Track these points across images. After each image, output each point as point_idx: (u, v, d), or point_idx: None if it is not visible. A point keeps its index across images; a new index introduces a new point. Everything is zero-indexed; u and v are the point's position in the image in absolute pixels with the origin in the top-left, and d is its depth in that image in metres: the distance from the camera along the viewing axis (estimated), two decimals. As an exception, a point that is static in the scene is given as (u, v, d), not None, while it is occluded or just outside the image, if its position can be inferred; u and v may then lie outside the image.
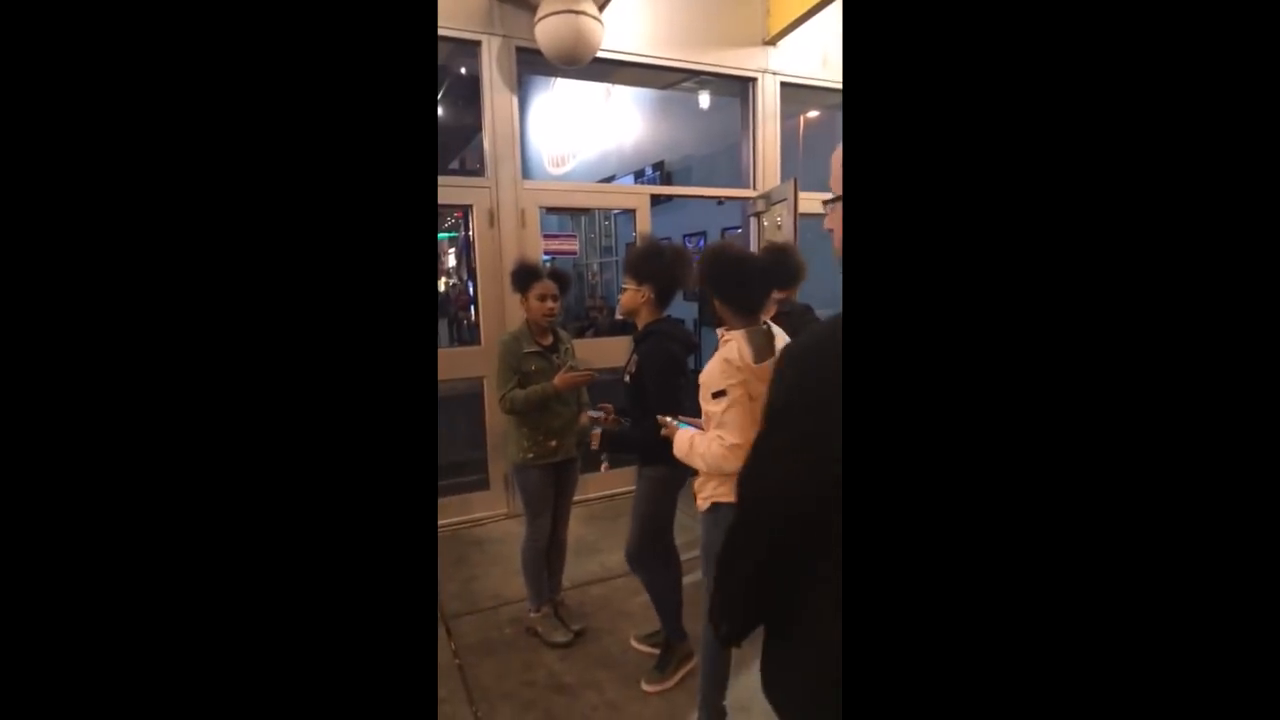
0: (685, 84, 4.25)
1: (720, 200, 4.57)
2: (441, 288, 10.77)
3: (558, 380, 2.17)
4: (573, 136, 7.91)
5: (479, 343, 3.44)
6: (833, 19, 3.99)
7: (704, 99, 4.60)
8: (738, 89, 4.10)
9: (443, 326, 8.17)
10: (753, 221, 4.13)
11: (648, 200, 3.80)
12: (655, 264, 1.96)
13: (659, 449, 1.84)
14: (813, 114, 5.14)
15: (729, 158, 4.33)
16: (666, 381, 1.91)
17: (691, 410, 1.75)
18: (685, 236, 6.78)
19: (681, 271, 1.96)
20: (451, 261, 12.15)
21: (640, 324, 2.00)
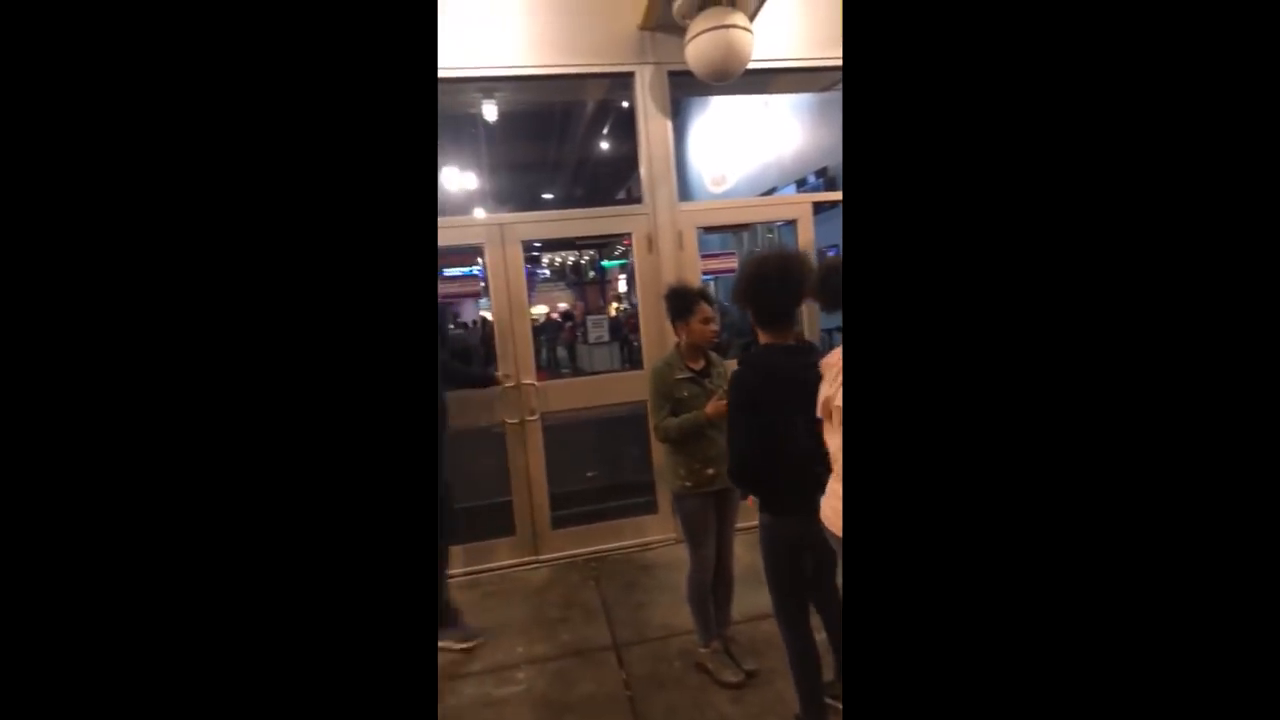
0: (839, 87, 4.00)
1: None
2: (613, 312, 11.35)
3: (709, 408, 2.08)
4: (731, 153, 7.86)
5: (642, 366, 3.47)
6: None
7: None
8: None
9: (614, 350, 8.52)
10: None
11: (809, 209, 3.60)
12: (747, 283, 1.73)
13: (763, 494, 1.70)
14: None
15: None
16: (737, 417, 1.71)
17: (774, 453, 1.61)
18: (830, 249, 6.37)
19: (782, 287, 1.69)
20: (622, 287, 12.77)
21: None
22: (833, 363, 1.51)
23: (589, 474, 4.13)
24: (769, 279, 1.69)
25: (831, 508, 1.52)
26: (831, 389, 1.49)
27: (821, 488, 1.60)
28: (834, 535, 1.52)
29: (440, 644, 2.48)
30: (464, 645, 2.55)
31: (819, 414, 1.54)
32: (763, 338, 1.75)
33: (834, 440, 1.49)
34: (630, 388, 3.50)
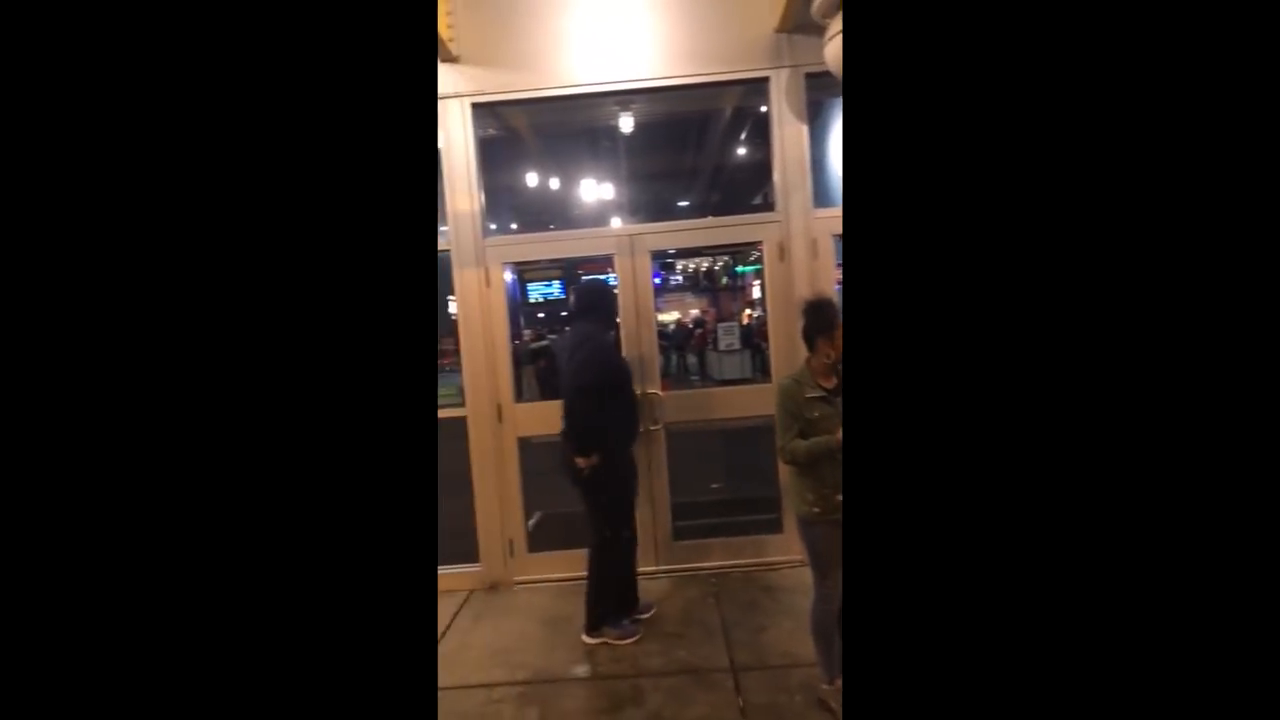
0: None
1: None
2: (745, 319, 11.17)
3: (842, 434, 1.94)
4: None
5: (769, 378, 3.36)
6: None
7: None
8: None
9: (745, 358, 8.35)
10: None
11: (963, 213, 3.29)
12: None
13: None
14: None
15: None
16: None
17: None
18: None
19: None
20: (756, 294, 12.55)
21: None
22: None
23: (713, 485, 4.06)
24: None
25: None
26: None
27: None
28: None
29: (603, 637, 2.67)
30: (625, 640, 2.67)
31: None
32: None
33: None
34: (756, 401, 3.39)
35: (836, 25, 2.73)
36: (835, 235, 3.30)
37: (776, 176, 3.26)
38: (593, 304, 2.79)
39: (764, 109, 3.30)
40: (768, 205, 3.36)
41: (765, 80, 3.20)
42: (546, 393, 3.66)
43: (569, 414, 2.64)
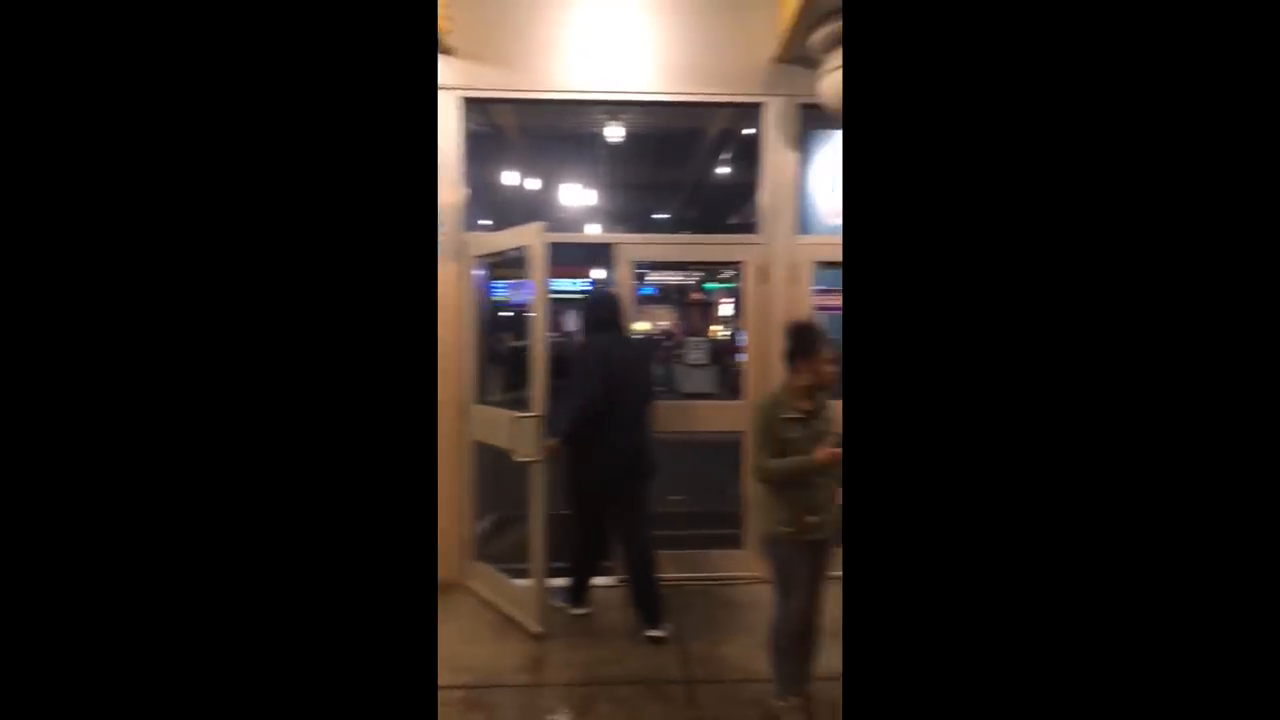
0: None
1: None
2: (714, 336, 11.28)
3: (821, 454, 1.99)
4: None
5: (736, 394, 3.40)
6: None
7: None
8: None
9: (712, 373, 8.44)
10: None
11: (937, 252, 3.42)
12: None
13: None
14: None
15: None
16: None
17: None
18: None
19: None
20: (723, 311, 12.67)
21: None
22: None
23: (674, 498, 4.09)
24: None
25: None
26: None
27: None
28: None
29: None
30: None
31: None
32: None
33: None
34: (723, 416, 3.43)
35: (832, 61, 2.82)
36: (815, 262, 3.39)
37: (764, 200, 3.33)
38: (607, 317, 2.85)
39: (752, 132, 3.37)
40: (744, 226, 3.42)
41: (758, 106, 3.27)
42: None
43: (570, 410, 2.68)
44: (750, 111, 3.33)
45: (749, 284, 3.35)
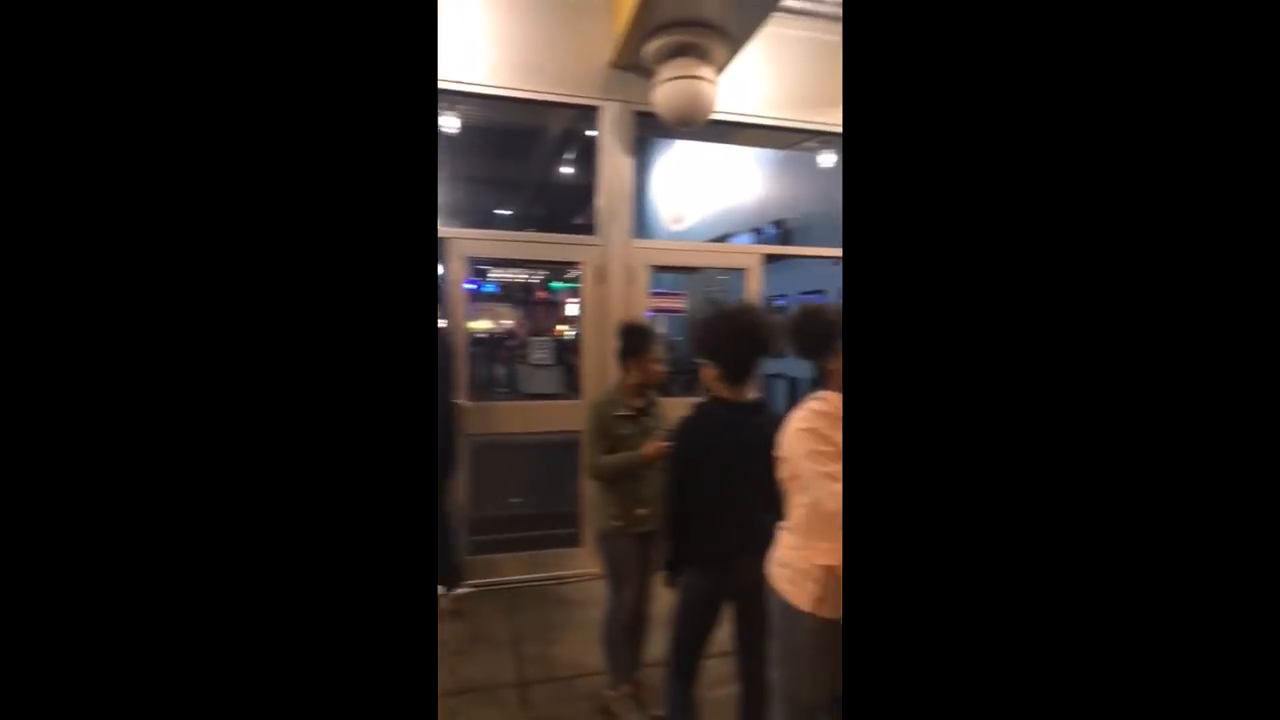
0: (807, 143, 4.17)
1: (837, 260, 4.37)
2: (559, 335, 11.27)
3: (648, 449, 2.07)
4: (693, 194, 8.04)
5: (579, 394, 3.44)
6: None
7: (826, 159, 4.49)
8: (861, 147, 3.94)
9: (556, 374, 8.43)
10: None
11: (759, 260, 3.70)
12: (715, 336, 1.73)
13: (691, 550, 1.71)
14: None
15: (849, 217, 4.17)
16: (679, 470, 1.76)
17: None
18: (802, 294, 6.58)
19: (750, 340, 1.70)
20: (574, 311, 12.72)
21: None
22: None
23: (513, 500, 4.03)
24: (740, 335, 1.70)
25: (779, 564, 1.51)
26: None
27: (749, 549, 1.61)
28: (778, 598, 1.49)
29: None
30: None
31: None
32: (720, 392, 1.74)
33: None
34: (565, 416, 3.45)
35: (666, 73, 2.94)
36: (651, 266, 3.51)
37: (600, 203, 3.39)
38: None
39: (591, 133, 3.42)
40: (588, 226, 3.46)
41: (595, 109, 3.32)
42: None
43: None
44: (589, 114, 3.37)
45: (587, 284, 3.39)
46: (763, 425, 1.63)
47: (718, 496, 1.69)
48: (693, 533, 1.73)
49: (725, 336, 1.71)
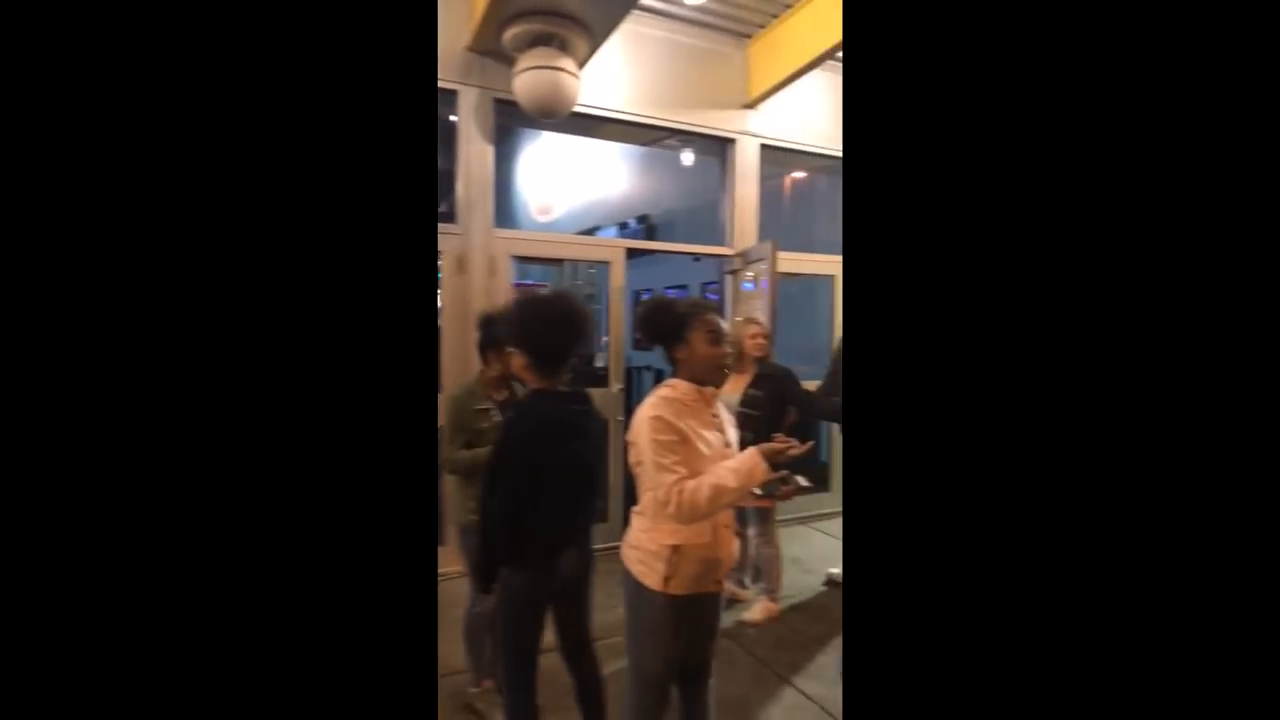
0: (668, 141, 4.30)
1: (696, 257, 4.57)
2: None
3: None
4: (559, 186, 8.01)
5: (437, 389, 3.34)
6: (813, 85, 4.08)
7: (686, 156, 4.66)
8: (717, 148, 4.14)
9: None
10: (728, 279, 4.11)
11: (622, 253, 3.77)
12: (526, 324, 1.63)
13: (514, 550, 1.61)
14: (798, 175, 5.21)
15: (713, 213, 4.36)
16: (504, 466, 1.60)
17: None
18: (666, 288, 6.79)
19: (561, 329, 1.61)
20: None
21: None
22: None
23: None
24: (551, 323, 1.62)
25: (630, 546, 1.56)
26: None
27: (569, 544, 1.65)
28: (631, 578, 1.53)
29: None
30: None
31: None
32: (534, 383, 1.67)
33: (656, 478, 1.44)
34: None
35: (526, 61, 2.92)
36: (513, 256, 3.47)
37: (460, 191, 3.29)
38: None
39: (453, 119, 3.32)
40: (450, 215, 3.36)
41: (454, 93, 3.22)
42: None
43: None
44: (449, 98, 3.26)
45: (446, 274, 3.29)
46: (581, 416, 1.63)
47: (536, 493, 1.59)
48: (511, 533, 1.60)
49: (536, 324, 1.62)
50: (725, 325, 1.56)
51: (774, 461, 1.36)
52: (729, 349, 1.53)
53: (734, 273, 4.05)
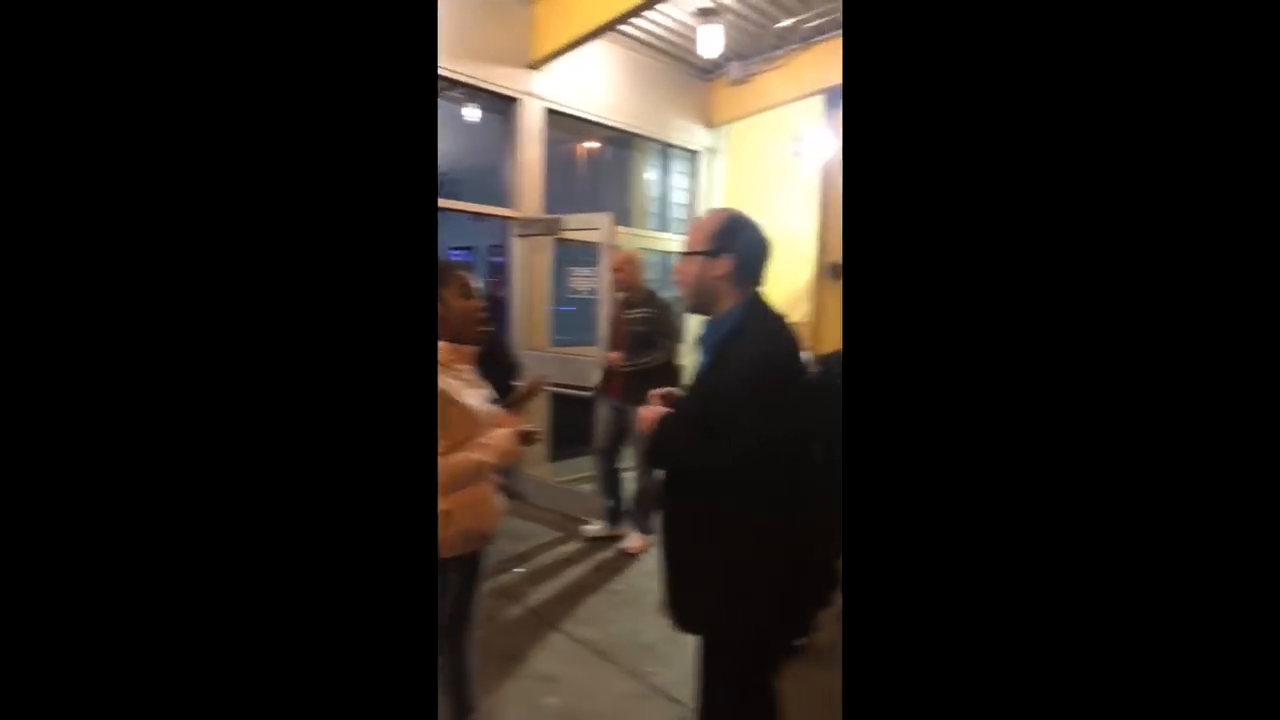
0: (450, 93, 4.09)
1: (479, 216, 4.44)
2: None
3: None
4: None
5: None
6: (599, 55, 4.15)
7: (471, 112, 4.48)
8: (501, 107, 4.05)
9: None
10: (516, 243, 4.08)
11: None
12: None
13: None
14: (592, 145, 5.28)
15: (498, 174, 4.26)
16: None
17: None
18: (451, 250, 6.52)
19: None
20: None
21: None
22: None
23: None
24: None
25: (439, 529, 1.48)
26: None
27: None
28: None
29: None
30: None
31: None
32: None
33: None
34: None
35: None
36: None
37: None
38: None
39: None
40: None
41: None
42: None
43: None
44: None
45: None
46: None
47: None
48: None
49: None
50: (477, 282, 1.56)
51: (525, 439, 1.54)
52: (482, 302, 1.54)
53: (522, 236, 4.03)
